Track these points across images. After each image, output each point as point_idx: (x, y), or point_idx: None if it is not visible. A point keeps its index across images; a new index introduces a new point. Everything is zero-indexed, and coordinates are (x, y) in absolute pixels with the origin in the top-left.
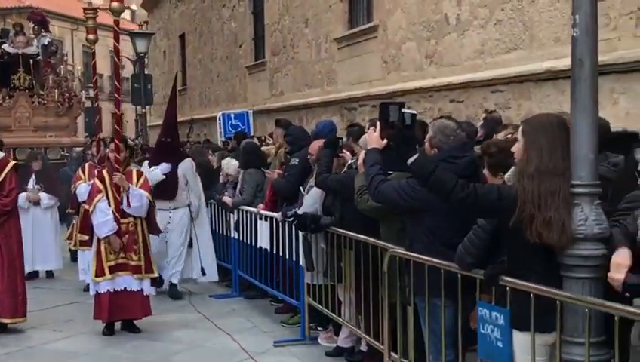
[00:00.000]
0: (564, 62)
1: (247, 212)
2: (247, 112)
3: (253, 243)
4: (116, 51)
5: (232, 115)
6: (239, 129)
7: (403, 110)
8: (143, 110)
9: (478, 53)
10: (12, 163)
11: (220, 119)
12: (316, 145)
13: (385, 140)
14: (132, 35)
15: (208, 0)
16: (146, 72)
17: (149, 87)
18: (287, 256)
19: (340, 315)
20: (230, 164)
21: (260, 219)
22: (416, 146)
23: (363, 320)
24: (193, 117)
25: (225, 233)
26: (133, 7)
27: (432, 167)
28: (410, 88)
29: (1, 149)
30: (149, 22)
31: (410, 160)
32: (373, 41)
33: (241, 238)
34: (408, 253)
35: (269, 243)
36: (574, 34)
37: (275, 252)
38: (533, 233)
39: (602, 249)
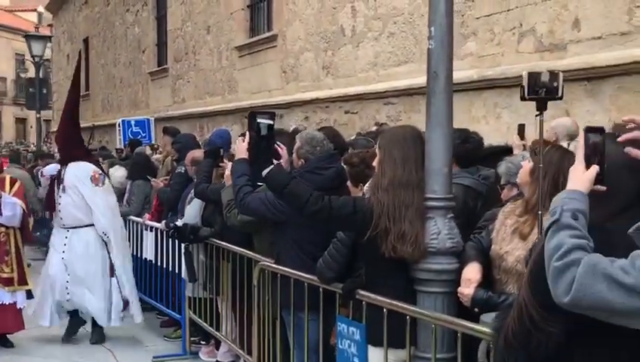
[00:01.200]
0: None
1: (133, 222)
2: (148, 120)
3: (138, 255)
4: None
5: (133, 122)
6: (139, 136)
7: (258, 120)
8: (38, 115)
9: (372, 65)
10: None
11: (119, 126)
12: (191, 155)
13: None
14: (27, 37)
15: (112, 4)
16: (45, 77)
17: (44, 91)
18: (170, 268)
19: (219, 329)
20: (115, 175)
21: (146, 229)
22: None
23: (238, 334)
24: (94, 123)
25: None
26: (40, 9)
27: (286, 180)
28: (307, 99)
29: None
30: (53, 25)
31: (265, 171)
32: (272, 50)
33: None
34: (275, 265)
35: (154, 254)
36: (430, 46)
37: (159, 264)
38: (388, 246)
39: (455, 263)
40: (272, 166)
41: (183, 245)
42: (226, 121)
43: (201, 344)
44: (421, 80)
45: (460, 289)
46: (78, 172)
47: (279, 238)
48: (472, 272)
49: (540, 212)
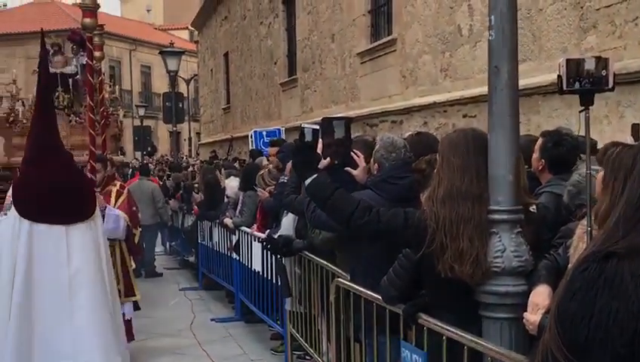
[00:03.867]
0: None
1: (244, 233)
2: (279, 130)
3: (248, 266)
4: (89, 68)
5: (264, 133)
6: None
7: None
8: (174, 128)
9: None
10: None
11: (251, 137)
12: (289, 165)
13: (328, 159)
14: (163, 53)
15: (248, 18)
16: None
17: (181, 105)
18: (274, 280)
19: (318, 346)
20: (230, 185)
21: (255, 240)
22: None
23: (334, 353)
24: (232, 135)
25: (229, 254)
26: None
27: (329, 190)
28: (425, 103)
29: None
30: (199, 41)
31: (308, 181)
32: (392, 55)
33: (241, 260)
34: (349, 283)
35: (261, 265)
36: (490, 37)
37: (265, 275)
38: (444, 266)
39: (522, 285)
40: (316, 175)
41: (277, 258)
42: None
43: (306, 359)
44: (539, 79)
45: (525, 314)
46: None
47: (352, 254)
48: (541, 296)
49: (589, 228)
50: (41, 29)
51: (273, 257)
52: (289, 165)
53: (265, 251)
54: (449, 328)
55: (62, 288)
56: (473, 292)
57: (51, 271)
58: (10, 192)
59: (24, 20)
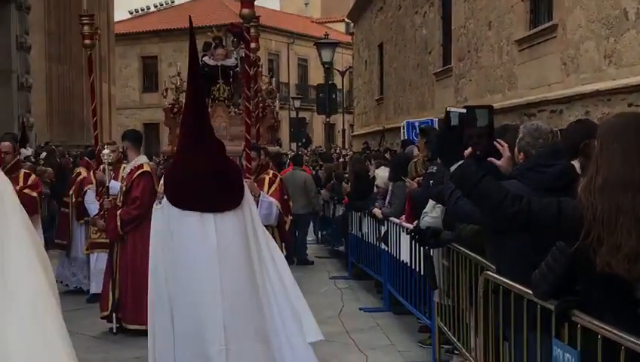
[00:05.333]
0: None
1: (393, 223)
2: (432, 120)
3: (398, 257)
4: (247, 59)
5: (417, 123)
6: None
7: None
8: (327, 119)
9: None
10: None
11: (403, 127)
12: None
13: (470, 149)
14: (318, 44)
15: (403, 8)
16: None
17: (334, 96)
18: (422, 272)
19: (467, 340)
20: (379, 175)
21: (403, 231)
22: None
23: (482, 349)
24: (384, 126)
25: (377, 244)
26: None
27: (475, 178)
28: (588, 92)
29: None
30: (354, 33)
31: (453, 167)
32: (552, 41)
33: (389, 251)
34: (499, 277)
35: (409, 256)
36: None
37: (413, 267)
38: (601, 260)
39: None
40: (461, 162)
41: (423, 249)
42: (505, 119)
43: (454, 353)
44: None
45: None
46: None
47: (499, 246)
48: None
49: None
50: (189, 17)
51: (421, 248)
52: None
53: (413, 242)
54: (605, 327)
55: (211, 277)
56: (633, 290)
57: (200, 260)
58: (162, 180)
59: (191, 15)
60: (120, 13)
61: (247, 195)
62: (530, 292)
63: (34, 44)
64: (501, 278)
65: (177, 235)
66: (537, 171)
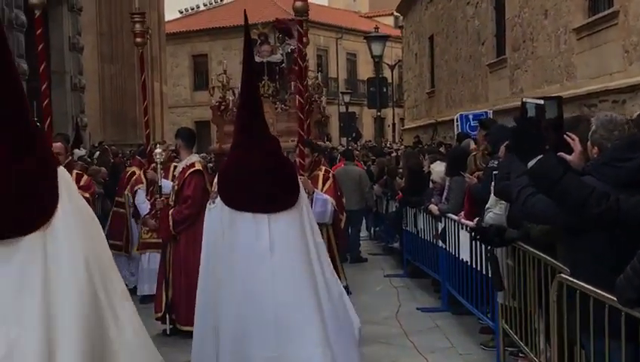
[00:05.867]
0: None
1: (451, 220)
2: (486, 113)
3: (456, 255)
4: (299, 52)
5: (471, 116)
6: (477, 131)
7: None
8: (378, 113)
9: None
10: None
11: (457, 120)
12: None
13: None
14: (368, 38)
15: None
16: (390, 77)
17: (385, 90)
18: (484, 271)
19: (534, 344)
20: (435, 170)
21: (462, 228)
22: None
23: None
24: (437, 119)
25: (434, 242)
26: (396, 12)
27: (557, 174)
28: None
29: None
30: (403, 26)
31: (532, 162)
32: (613, 28)
33: (447, 248)
34: (576, 280)
35: (469, 255)
36: None
37: (474, 266)
38: None
39: None
40: (541, 156)
41: (487, 248)
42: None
43: (519, 356)
44: None
45: None
46: None
47: (574, 247)
48: None
49: None
50: (244, 12)
51: (483, 247)
52: (502, 148)
53: (473, 240)
54: None
55: (264, 280)
56: None
57: (253, 261)
58: (216, 180)
59: (240, 14)
60: (170, 14)
61: (302, 194)
62: (613, 298)
63: (86, 45)
64: (579, 282)
65: (229, 235)
66: (614, 166)
